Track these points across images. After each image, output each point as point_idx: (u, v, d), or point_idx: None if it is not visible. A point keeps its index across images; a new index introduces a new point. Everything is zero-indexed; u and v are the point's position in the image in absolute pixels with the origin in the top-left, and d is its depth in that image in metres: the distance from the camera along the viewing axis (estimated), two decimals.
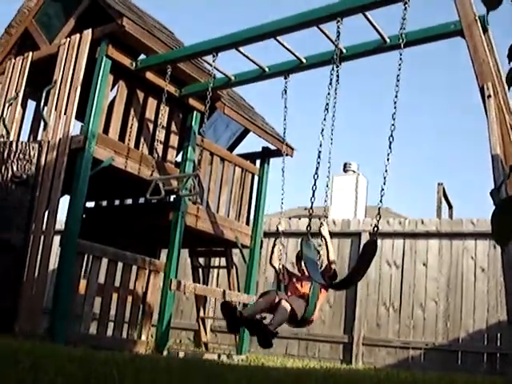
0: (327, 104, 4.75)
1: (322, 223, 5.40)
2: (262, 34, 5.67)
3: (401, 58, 4.61)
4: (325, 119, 4.68)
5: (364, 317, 9.00)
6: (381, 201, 4.21)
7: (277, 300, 5.20)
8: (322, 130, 4.63)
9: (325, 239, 5.40)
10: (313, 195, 4.55)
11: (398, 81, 4.51)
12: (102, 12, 6.23)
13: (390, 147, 4.29)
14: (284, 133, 6.16)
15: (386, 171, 4.25)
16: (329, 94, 4.78)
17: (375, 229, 4.20)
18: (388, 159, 4.26)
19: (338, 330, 9.20)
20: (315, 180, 4.58)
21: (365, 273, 4.59)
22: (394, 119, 4.36)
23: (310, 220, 4.72)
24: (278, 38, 5.64)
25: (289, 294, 5.45)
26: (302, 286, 5.50)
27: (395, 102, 4.43)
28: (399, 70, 4.55)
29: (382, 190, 4.23)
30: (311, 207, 4.56)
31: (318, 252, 5.22)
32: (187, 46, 6.69)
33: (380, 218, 4.23)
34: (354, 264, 4.58)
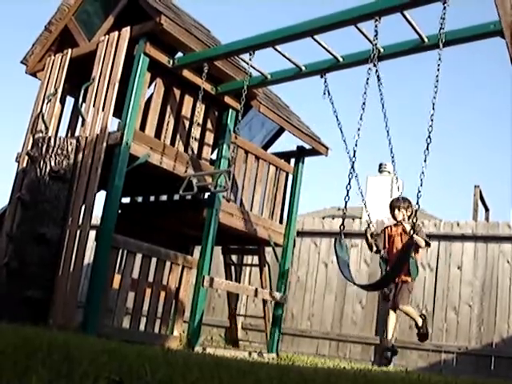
0: (364, 103, 4.73)
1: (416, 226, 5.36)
2: (300, 33, 5.66)
3: (439, 59, 4.57)
4: (361, 118, 4.66)
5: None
6: (417, 202, 4.19)
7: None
8: (359, 129, 4.61)
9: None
10: (347, 194, 4.54)
11: (438, 81, 4.46)
12: (140, 10, 6.29)
13: (427, 148, 4.26)
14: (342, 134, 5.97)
15: (423, 173, 4.22)
16: (365, 93, 4.76)
17: (411, 231, 4.20)
18: (425, 160, 4.22)
19: (370, 332, 9.14)
20: (349, 179, 4.57)
21: (399, 273, 4.59)
22: (431, 120, 4.32)
23: (344, 220, 4.71)
24: (314, 36, 5.63)
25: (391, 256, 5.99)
26: (400, 240, 6.06)
27: (433, 104, 4.38)
28: (438, 70, 4.51)
29: (419, 192, 4.20)
30: (345, 206, 4.55)
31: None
32: (224, 45, 6.71)
33: (416, 219, 4.22)
34: (391, 266, 4.58)
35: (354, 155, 4.73)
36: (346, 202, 4.57)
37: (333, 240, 9.78)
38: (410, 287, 6.21)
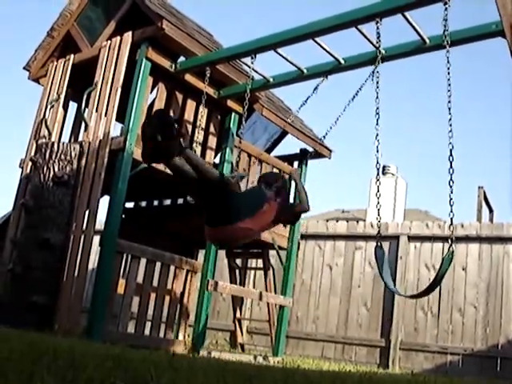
0: (377, 108, 4.70)
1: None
2: (301, 36, 5.65)
3: (448, 61, 4.53)
4: (377, 124, 4.64)
5: (401, 321, 8.91)
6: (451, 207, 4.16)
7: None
8: (377, 135, 4.57)
9: (296, 183, 5.29)
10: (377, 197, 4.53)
11: (449, 85, 4.39)
12: (142, 15, 6.30)
13: (451, 154, 4.21)
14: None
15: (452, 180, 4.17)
16: (377, 97, 4.73)
17: (452, 245, 4.16)
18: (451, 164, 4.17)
19: (375, 334, 9.12)
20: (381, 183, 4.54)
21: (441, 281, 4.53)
22: (450, 125, 4.26)
23: (379, 233, 4.66)
24: (315, 38, 5.63)
25: None
26: None
27: (449, 108, 4.31)
28: (448, 73, 4.45)
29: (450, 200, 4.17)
30: (378, 214, 4.53)
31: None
32: (226, 48, 6.72)
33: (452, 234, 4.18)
34: (435, 275, 4.48)
35: (378, 162, 4.64)
36: (378, 208, 4.53)
37: (337, 243, 9.84)
38: None
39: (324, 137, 5.78)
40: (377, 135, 4.64)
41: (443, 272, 4.31)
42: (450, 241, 4.22)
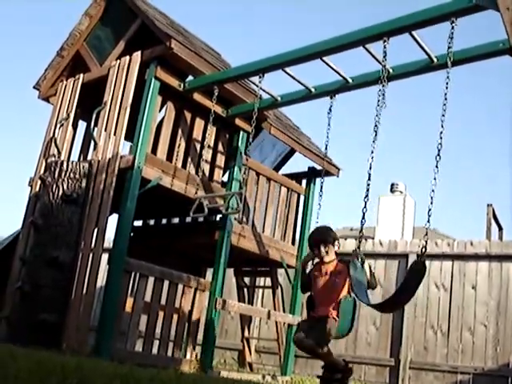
0: (376, 126, 4.73)
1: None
2: (309, 55, 5.69)
3: (448, 77, 4.58)
4: (374, 142, 4.65)
5: (411, 340, 8.85)
6: (428, 221, 4.15)
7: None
8: (372, 152, 4.60)
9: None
10: (363, 217, 4.52)
11: (446, 99, 4.46)
12: (151, 34, 6.36)
13: (436, 166, 4.25)
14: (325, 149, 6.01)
15: (433, 191, 4.20)
16: (377, 115, 4.75)
17: (423, 250, 4.12)
18: (435, 178, 4.21)
19: (385, 353, 9.05)
20: (365, 202, 4.54)
21: (412, 295, 4.47)
22: (441, 138, 4.32)
23: (360, 242, 4.66)
24: (323, 58, 5.66)
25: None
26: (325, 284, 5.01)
27: (442, 121, 4.38)
28: (446, 88, 4.51)
29: (430, 210, 4.18)
30: (361, 229, 4.52)
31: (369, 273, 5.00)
32: (234, 68, 6.76)
33: (427, 238, 4.17)
34: (399, 285, 4.46)
35: (369, 178, 4.65)
36: (362, 224, 4.53)
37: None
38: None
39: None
40: (372, 151, 4.65)
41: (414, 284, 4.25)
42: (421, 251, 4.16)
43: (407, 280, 4.50)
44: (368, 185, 4.60)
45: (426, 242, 4.13)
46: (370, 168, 4.64)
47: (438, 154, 4.28)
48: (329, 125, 5.78)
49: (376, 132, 4.72)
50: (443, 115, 4.40)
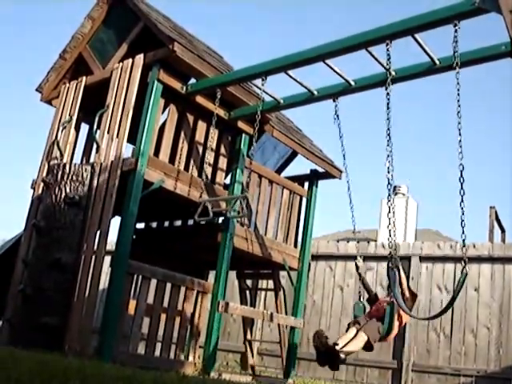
0: (389, 129, 4.74)
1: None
2: (311, 58, 5.69)
3: (458, 83, 4.56)
4: (388, 145, 4.66)
5: (414, 342, 8.84)
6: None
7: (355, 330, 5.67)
8: (388, 156, 4.62)
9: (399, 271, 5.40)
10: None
11: (459, 106, 4.44)
12: (153, 37, 6.36)
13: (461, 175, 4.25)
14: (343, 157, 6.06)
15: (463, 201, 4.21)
16: (388, 119, 4.76)
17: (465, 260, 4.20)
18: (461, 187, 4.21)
19: (387, 356, 9.04)
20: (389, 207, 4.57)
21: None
22: (460, 147, 4.31)
23: (395, 248, 4.76)
24: (326, 60, 5.66)
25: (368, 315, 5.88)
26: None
27: (459, 130, 4.36)
28: (458, 94, 4.49)
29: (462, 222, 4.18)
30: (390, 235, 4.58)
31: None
32: (237, 70, 6.76)
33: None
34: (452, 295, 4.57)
35: (389, 182, 4.73)
36: (391, 231, 4.63)
37: (348, 263, 9.79)
38: (374, 329, 5.84)
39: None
40: (388, 156, 4.66)
41: (456, 294, 4.33)
42: (463, 262, 4.24)
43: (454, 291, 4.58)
44: (389, 190, 4.65)
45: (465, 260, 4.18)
46: (388, 172, 4.68)
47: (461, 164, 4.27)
48: (340, 131, 5.93)
49: (389, 135, 4.74)
50: (459, 122, 4.39)
